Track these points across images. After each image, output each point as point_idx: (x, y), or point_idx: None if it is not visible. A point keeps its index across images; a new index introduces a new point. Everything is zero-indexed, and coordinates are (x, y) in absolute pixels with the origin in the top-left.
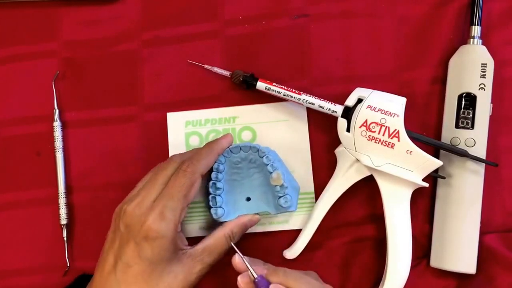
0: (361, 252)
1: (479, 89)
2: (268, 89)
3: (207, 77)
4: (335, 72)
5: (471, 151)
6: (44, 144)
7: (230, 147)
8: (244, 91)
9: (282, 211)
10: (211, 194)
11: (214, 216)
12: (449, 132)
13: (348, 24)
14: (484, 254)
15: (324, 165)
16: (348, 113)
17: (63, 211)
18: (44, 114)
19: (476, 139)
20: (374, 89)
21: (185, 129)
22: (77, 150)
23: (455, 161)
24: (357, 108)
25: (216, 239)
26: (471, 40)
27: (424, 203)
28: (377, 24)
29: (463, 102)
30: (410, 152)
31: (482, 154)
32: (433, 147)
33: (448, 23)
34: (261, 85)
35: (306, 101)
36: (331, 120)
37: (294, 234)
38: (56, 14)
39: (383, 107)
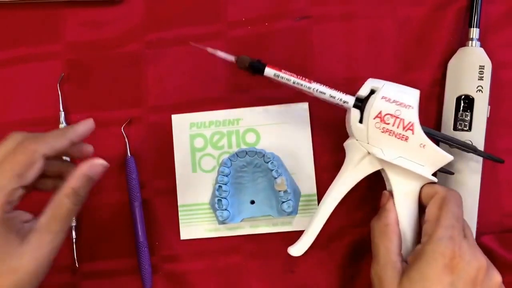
0: (366, 252)
1: (477, 91)
2: (277, 76)
3: (212, 78)
4: (337, 74)
5: (469, 153)
6: None
7: (236, 151)
8: (246, 93)
9: (284, 215)
10: (217, 196)
11: (220, 219)
12: (447, 134)
13: (350, 26)
14: None
15: (326, 167)
16: (360, 104)
17: None
18: (50, 116)
19: (474, 141)
20: None
21: (189, 131)
22: None
23: (452, 162)
24: (371, 99)
25: (58, 203)
26: (470, 42)
27: None
28: (378, 27)
29: (461, 104)
30: (423, 146)
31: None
32: (443, 142)
33: (448, 25)
34: (269, 72)
35: (317, 90)
36: (334, 121)
37: (296, 236)
38: (60, 15)
39: (397, 98)
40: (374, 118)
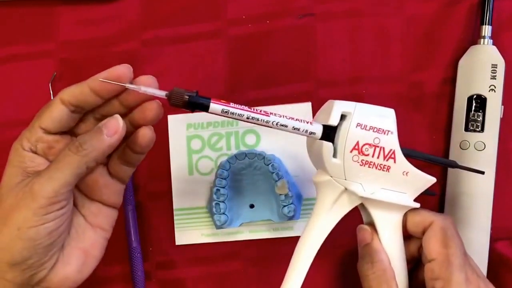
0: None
1: (489, 91)
2: (226, 112)
3: (210, 77)
4: (342, 73)
5: (481, 155)
6: None
7: (235, 153)
8: (245, 92)
9: (285, 220)
10: (214, 200)
11: (218, 223)
12: (459, 135)
13: (355, 23)
14: (494, 261)
15: None
16: (330, 134)
17: None
18: None
19: (486, 142)
20: (382, 91)
21: (186, 132)
22: None
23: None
24: (343, 128)
25: (62, 153)
26: (482, 40)
27: (432, 209)
28: (385, 24)
29: (473, 104)
30: (406, 173)
31: (493, 158)
32: (424, 161)
33: (458, 22)
34: (215, 108)
35: (277, 124)
36: None
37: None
38: (53, 13)
39: (374, 124)
40: (351, 151)
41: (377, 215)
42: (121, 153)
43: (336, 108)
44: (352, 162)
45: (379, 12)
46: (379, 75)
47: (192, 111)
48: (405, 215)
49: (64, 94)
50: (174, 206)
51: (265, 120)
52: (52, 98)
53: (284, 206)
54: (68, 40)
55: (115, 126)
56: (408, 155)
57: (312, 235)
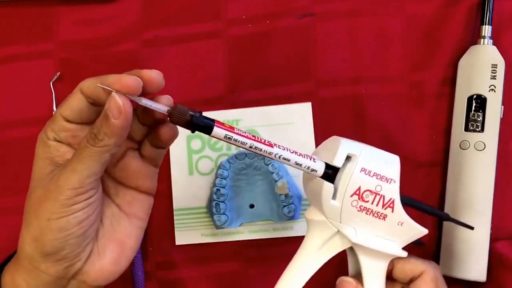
0: None
1: (489, 91)
2: (229, 138)
3: (210, 78)
4: (342, 73)
5: (481, 155)
6: None
7: (235, 153)
8: (246, 92)
9: (285, 220)
10: (214, 200)
11: (218, 223)
12: (458, 135)
13: (355, 23)
14: (495, 261)
15: None
16: (331, 174)
17: None
18: (42, 116)
19: (486, 142)
20: (382, 91)
21: (186, 132)
22: None
23: (465, 166)
24: (346, 170)
25: (80, 144)
26: (482, 40)
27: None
28: (385, 24)
29: (473, 104)
30: (401, 224)
31: (493, 158)
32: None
33: (458, 22)
34: (218, 132)
35: (279, 157)
36: (338, 122)
37: (298, 241)
38: (53, 13)
39: (378, 170)
40: (351, 196)
41: (365, 261)
42: (151, 136)
43: (342, 149)
44: (351, 206)
45: (379, 12)
46: (379, 75)
47: (193, 131)
48: (392, 261)
49: (83, 85)
50: (174, 206)
51: (268, 151)
52: (53, 98)
53: (284, 206)
54: (68, 40)
55: (117, 106)
56: (405, 203)
57: (297, 274)
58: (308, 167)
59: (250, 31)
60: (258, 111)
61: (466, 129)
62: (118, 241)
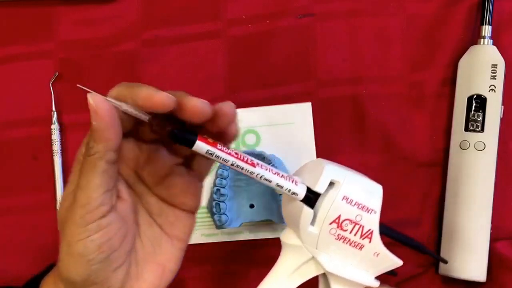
0: None
1: (489, 91)
2: (211, 154)
3: (210, 78)
4: (342, 73)
5: (481, 155)
6: (41, 148)
7: None
8: (245, 92)
9: None
10: (214, 200)
11: (218, 223)
12: (459, 135)
13: (355, 23)
14: (495, 261)
15: None
16: (312, 199)
17: None
18: (41, 116)
19: (486, 142)
20: (382, 91)
21: None
22: (75, 154)
23: (465, 166)
24: (328, 197)
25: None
26: (482, 40)
27: (432, 208)
28: (385, 24)
29: (473, 104)
30: (377, 255)
31: (493, 158)
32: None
33: (458, 22)
34: (201, 147)
35: (261, 177)
36: (338, 122)
37: None
38: (53, 13)
39: (360, 200)
40: (330, 223)
41: None
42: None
43: (325, 174)
44: (329, 234)
45: (379, 12)
46: (379, 75)
47: (174, 143)
48: None
49: (112, 92)
50: None
51: (250, 171)
52: (53, 98)
53: None
54: (68, 40)
55: (91, 108)
56: (383, 233)
57: None
58: (289, 190)
59: (250, 31)
60: (258, 111)
61: (466, 129)
62: (159, 264)
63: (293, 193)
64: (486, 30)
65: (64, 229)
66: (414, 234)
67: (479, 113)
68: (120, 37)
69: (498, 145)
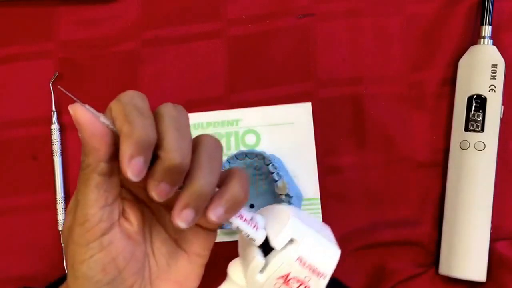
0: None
1: (489, 91)
2: None
3: (210, 77)
4: (342, 73)
5: (481, 155)
6: (41, 148)
7: (235, 153)
8: (246, 92)
9: None
10: None
11: None
12: (459, 135)
13: (355, 23)
14: (495, 261)
15: (330, 170)
16: (267, 248)
17: (61, 217)
18: (41, 116)
19: (486, 142)
20: (382, 91)
21: None
22: (76, 154)
23: (465, 166)
24: (283, 254)
25: None
26: (482, 40)
27: (432, 208)
28: (385, 24)
29: (473, 104)
30: None
31: (493, 158)
32: None
33: (458, 22)
34: None
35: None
36: (338, 122)
37: None
38: (53, 13)
39: (314, 263)
40: (278, 278)
41: None
42: None
43: (287, 231)
44: (273, 286)
45: (379, 12)
46: (379, 75)
47: None
48: None
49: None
50: None
51: None
52: (53, 98)
53: None
54: (68, 40)
55: (73, 118)
56: None
57: None
58: (248, 235)
59: (250, 31)
60: (258, 111)
61: (466, 129)
62: (175, 282)
63: (251, 239)
64: (486, 30)
65: (67, 250)
66: (414, 234)
67: (479, 113)
68: (120, 37)
69: (498, 145)
